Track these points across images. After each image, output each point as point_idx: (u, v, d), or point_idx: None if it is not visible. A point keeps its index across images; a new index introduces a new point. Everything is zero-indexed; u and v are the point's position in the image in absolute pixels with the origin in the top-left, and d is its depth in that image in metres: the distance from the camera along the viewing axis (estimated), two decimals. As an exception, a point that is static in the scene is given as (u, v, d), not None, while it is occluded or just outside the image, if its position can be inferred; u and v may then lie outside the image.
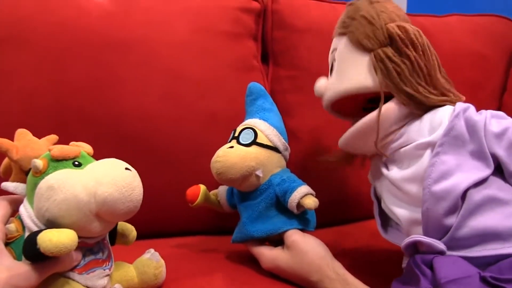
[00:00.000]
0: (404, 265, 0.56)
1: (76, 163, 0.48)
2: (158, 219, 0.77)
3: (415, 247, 0.50)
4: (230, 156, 0.62)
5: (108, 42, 0.77)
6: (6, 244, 0.46)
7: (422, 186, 0.50)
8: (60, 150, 0.48)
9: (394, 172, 0.56)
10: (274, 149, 0.66)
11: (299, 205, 0.61)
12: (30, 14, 0.75)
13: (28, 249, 0.43)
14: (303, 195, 0.61)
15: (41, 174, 0.46)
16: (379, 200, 0.63)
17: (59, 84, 0.73)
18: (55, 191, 0.44)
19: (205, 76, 0.82)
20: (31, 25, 0.74)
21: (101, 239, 0.51)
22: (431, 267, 0.47)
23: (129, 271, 0.55)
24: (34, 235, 0.43)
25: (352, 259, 0.65)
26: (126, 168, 0.49)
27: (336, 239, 0.77)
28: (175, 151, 0.78)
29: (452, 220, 0.49)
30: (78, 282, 0.48)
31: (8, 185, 0.50)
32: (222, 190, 0.73)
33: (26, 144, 0.52)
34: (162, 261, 0.57)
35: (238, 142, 0.65)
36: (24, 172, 0.51)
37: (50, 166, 0.47)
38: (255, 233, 0.63)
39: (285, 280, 0.60)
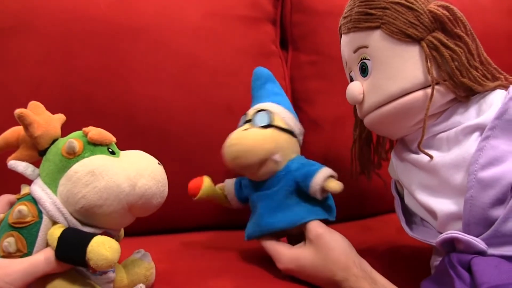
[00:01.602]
0: (435, 263, 0.52)
1: (110, 150, 0.46)
2: (169, 214, 0.74)
3: (451, 244, 0.46)
4: (247, 138, 0.57)
5: (117, 29, 0.74)
6: (14, 229, 0.42)
7: (467, 172, 0.45)
8: (99, 133, 0.45)
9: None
10: (291, 132, 0.61)
11: (322, 189, 0.56)
12: (37, 2, 0.72)
13: (70, 253, 0.41)
14: (326, 177, 0.56)
15: (75, 156, 0.43)
16: (400, 196, 0.59)
17: (67, 73, 0.71)
18: (96, 177, 0.42)
19: (220, 64, 0.78)
20: (38, 12, 0.72)
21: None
22: (468, 269, 0.42)
23: (118, 271, 0.51)
24: (79, 239, 0.41)
25: (376, 255, 0.62)
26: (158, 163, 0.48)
27: (359, 234, 0.73)
28: (188, 143, 0.75)
29: (498, 212, 0.44)
30: (95, 282, 0.45)
31: (18, 165, 0.45)
32: (230, 183, 0.67)
33: (48, 121, 0.47)
34: (153, 263, 0.53)
35: (253, 126, 0.59)
36: (37, 150, 0.46)
37: (86, 149, 0.44)
38: (277, 224, 0.57)
39: (304, 282, 0.56)
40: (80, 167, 0.43)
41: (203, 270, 0.59)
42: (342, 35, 0.58)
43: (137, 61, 0.74)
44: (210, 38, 0.78)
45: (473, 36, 0.50)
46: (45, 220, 0.43)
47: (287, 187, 0.58)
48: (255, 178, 0.61)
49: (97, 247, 0.40)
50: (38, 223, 0.42)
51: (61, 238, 0.41)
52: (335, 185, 0.55)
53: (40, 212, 0.43)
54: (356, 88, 0.54)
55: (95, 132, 0.45)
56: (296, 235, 0.59)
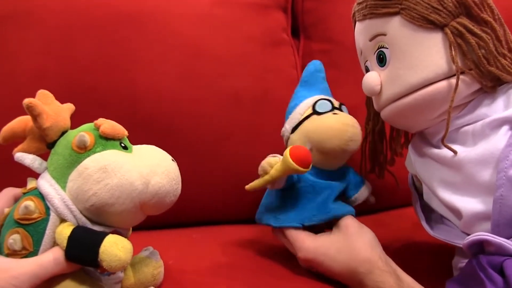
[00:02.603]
0: (459, 264, 0.49)
1: (123, 145, 0.44)
2: (177, 208, 0.72)
3: (480, 246, 0.43)
4: (359, 126, 0.59)
5: (121, 17, 0.71)
6: (19, 225, 0.40)
7: (496, 169, 0.43)
8: (112, 127, 0.44)
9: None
10: None
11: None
12: (36, -11, 0.70)
13: (81, 254, 0.39)
14: (371, 190, 0.63)
15: (86, 151, 0.41)
16: (418, 192, 0.57)
17: (69, 64, 0.69)
18: (108, 174, 0.40)
19: (228, 52, 0.76)
20: (38, 0, 0.69)
21: None
22: (500, 271, 0.40)
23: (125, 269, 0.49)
24: (91, 239, 0.39)
25: (392, 252, 0.58)
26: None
27: (374, 230, 0.71)
28: (195, 135, 0.72)
29: None
30: (103, 283, 0.43)
31: (25, 157, 0.43)
32: None
33: (57, 112, 0.44)
34: (161, 261, 0.52)
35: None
36: (46, 143, 0.44)
37: (98, 144, 0.42)
38: (339, 210, 0.58)
39: (322, 277, 0.55)
40: (92, 163, 0.41)
41: (213, 268, 0.58)
42: (357, 22, 0.55)
43: (142, 50, 0.71)
44: (219, 25, 0.76)
45: (501, 21, 0.48)
46: (53, 217, 0.41)
47: (346, 183, 0.62)
48: (331, 165, 0.61)
49: (110, 247, 0.39)
50: (45, 220, 0.40)
51: (72, 237, 0.39)
52: (373, 199, 0.64)
53: (47, 208, 0.41)
54: (373, 78, 0.51)
55: (107, 125, 0.43)
56: (316, 230, 0.58)
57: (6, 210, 0.43)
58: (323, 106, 0.60)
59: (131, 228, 0.50)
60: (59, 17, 0.69)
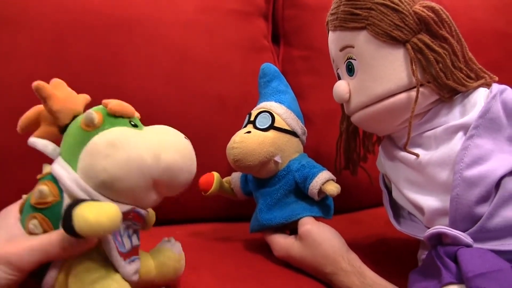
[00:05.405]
0: (422, 256, 0.53)
1: (133, 123, 0.43)
2: (167, 206, 0.73)
3: (438, 238, 0.47)
4: (248, 141, 0.59)
5: (110, 22, 0.73)
6: (36, 210, 0.39)
7: (453, 170, 0.46)
8: (120, 105, 0.42)
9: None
10: (292, 133, 0.64)
11: (320, 191, 0.59)
12: (28, -8, 0.71)
13: (65, 224, 0.36)
14: (324, 181, 0.59)
15: (95, 128, 0.40)
16: (389, 190, 0.60)
17: (59, 67, 0.69)
18: (116, 148, 0.39)
19: (212, 58, 0.79)
20: (29, 4, 0.71)
21: None
22: (455, 259, 0.43)
23: (146, 260, 0.46)
24: (71, 207, 0.36)
25: (365, 248, 0.63)
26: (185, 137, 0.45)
27: (349, 227, 0.74)
28: (180, 136, 0.74)
29: (483, 209, 0.45)
30: (123, 271, 0.41)
31: (37, 142, 0.42)
32: (236, 177, 0.69)
33: (67, 96, 0.43)
34: (183, 253, 0.50)
35: (255, 127, 0.62)
36: (58, 127, 0.43)
37: (106, 121, 0.41)
38: (273, 219, 0.60)
39: (299, 270, 0.57)
40: (99, 139, 0.40)
41: (196, 263, 0.58)
42: (330, 32, 0.58)
43: (130, 54, 0.73)
44: (203, 31, 0.78)
45: (458, 36, 0.51)
46: (66, 199, 0.39)
47: (287, 186, 0.62)
48: (257, 176, 0.63)
49: (82, 210, 0.35)
50: (60, 203, 0.39)
51: (65, 211, 0.37)
52: (333, 189, 0.58)
53: (61, 191, 0.40)
54: (342, 87, 0.54)
55: (115, 103, 0.42)
56: (295, 230, 0.61)
57: (24, 196, 0.43)
58: (245, 120, 0.65)
59: (153, 217, 0.49)
60: (50, 21, 0.70)
